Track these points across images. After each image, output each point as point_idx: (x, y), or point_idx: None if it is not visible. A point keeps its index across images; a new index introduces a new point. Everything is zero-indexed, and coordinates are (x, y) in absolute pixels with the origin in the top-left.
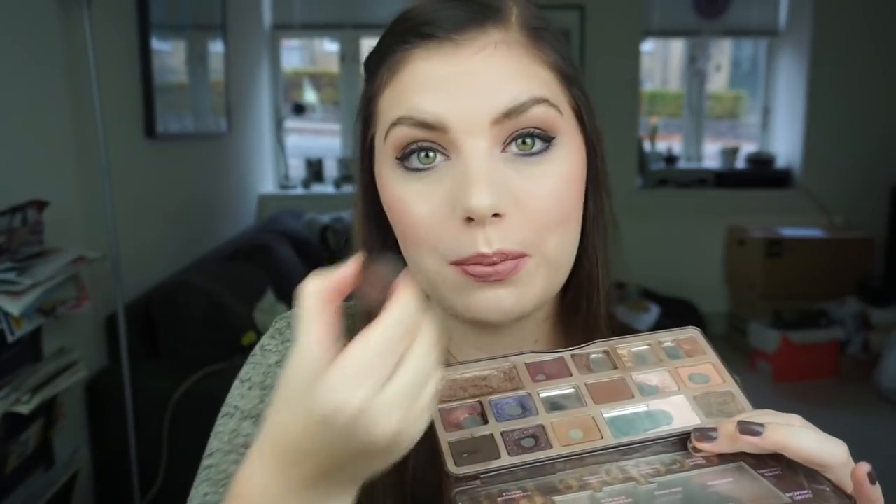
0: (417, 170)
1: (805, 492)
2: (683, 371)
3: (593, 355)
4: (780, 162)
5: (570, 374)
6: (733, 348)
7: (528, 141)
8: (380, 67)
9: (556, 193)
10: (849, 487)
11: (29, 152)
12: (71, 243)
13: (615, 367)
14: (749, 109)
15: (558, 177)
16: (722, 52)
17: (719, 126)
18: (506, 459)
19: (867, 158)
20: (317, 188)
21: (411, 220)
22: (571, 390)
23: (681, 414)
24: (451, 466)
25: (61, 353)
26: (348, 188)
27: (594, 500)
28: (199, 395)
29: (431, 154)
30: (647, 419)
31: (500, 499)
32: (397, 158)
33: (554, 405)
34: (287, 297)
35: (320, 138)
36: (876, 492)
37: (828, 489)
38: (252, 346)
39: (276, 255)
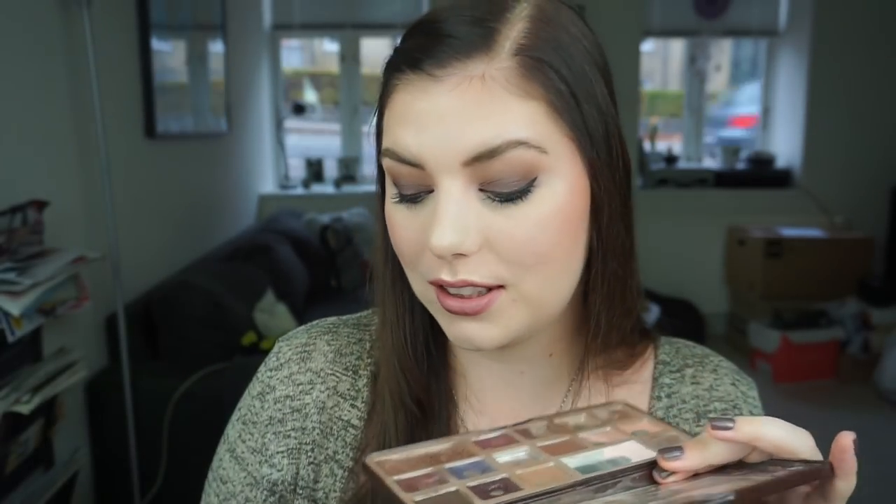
0: (405, 196)
1: (781, 471)
2: (624, 427)
3: (534, 430)
4: (780, 162)
5: (519, 442)
6: (733, 348)
7: (507, 181)
8: (384, 84)
9: (532, 236)
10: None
11: (29, 152)
12: (71, 243)
13: (560, 433)
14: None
15: (536, 219)
16: (722, 52)
17: None
18: None
19: (867, 158)
20: (317, 188)
21: (397, 241)
22: (526, 453)
23: (638, 454)
24: None
25: (61, 353)
26: (348, 188)
27: None
28: (199, 395)
29: (416, 187)
30: (608, 463)
31: None
32: (393, 182)
33: (514, 464)
34: (287, 297)
35: (320, 138)
36: (855, 464)
37: (801, 466)
38: (252, 346)
39: (276, 255)
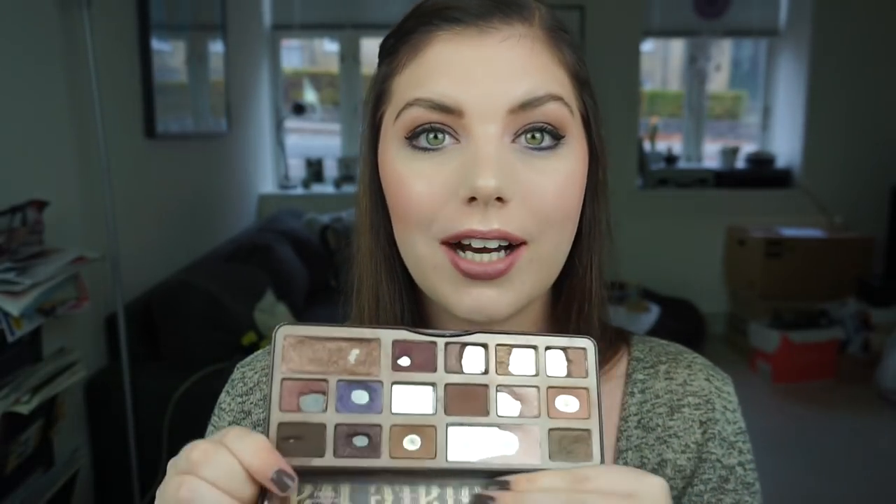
0: (425, 149)
1: None
2: (553, 392)
3: (469, 348)
4: (780, 162)
5: (434, 369)
6: (733, 348)
7: (538, 136)
8: (399, 48)
9: (561, 190)
10: None
11: (29, 152)
12: (71, 243)
13: (485, 371)
14: (749, 109)
15: (564, 174)
16: (722, 52)
17: (719, 126)
18: (328, 460)
19: (867, 158)
20: (317, 188)
21: (408, 198)
22: (427, 389)
23: (526, 448)
24: None
25: (61, 353)
26: (348, 188)
27: None
28: (199, 395)
29: (440, 136)
30: (489, 443)
31: (308, 501)
32: (406, 137)
33: (403, 402)
34: (287, 297)
35: (320, 138)
36: None
37: None
38: (252, 346)
39: (276, 255)
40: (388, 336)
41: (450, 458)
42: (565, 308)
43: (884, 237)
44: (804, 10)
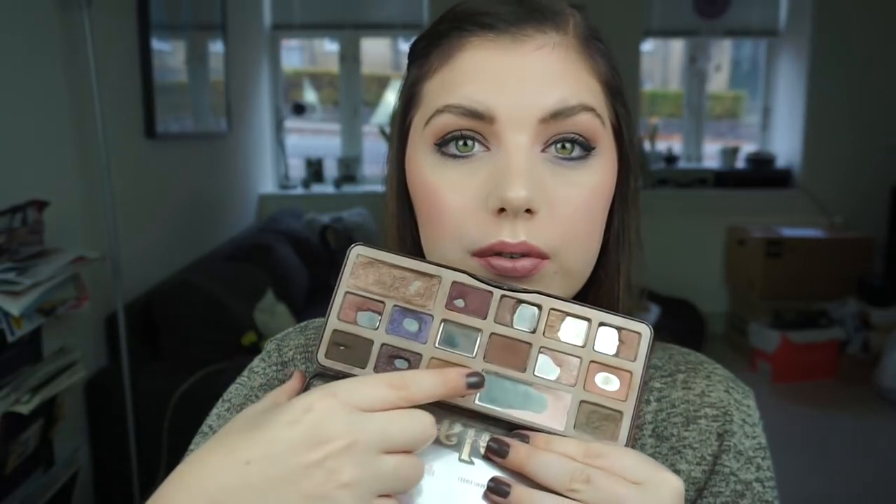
0: (454, 157)
1: None
2: (595, 367)
3: (523, 305)
4: (780, 162)
5: (485, 317)
6: (733, 348)
7: (569, 146)
8: (430, 51)
9: (588, 203)
10: None
11: (29, 152)
12: (71, 243)
13: (533, 330)
14: (749, 109)
15: (592, 187)
16: (722, 52)
17: (719, 126)
18: (368, 372)
19: (867, 158)
20: (317, 188)
21: (440, 208)
22: (474, 333)
23: (552, 412)
24: (320, 354)
25: (61, 353)
26: (348, 188)
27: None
28: (200, 395)
29: (470, 143)
30: (520, 397)
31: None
32: (435, 144)
33: (448, 340)
34: (287, 297)
35: (320, 138)
36: None
37: None
38: (252, 346)
39: (276, 255)
40: (448, 276)
41: (477, 402)
42: None
43: (884, 237)
44: (804, 10)
